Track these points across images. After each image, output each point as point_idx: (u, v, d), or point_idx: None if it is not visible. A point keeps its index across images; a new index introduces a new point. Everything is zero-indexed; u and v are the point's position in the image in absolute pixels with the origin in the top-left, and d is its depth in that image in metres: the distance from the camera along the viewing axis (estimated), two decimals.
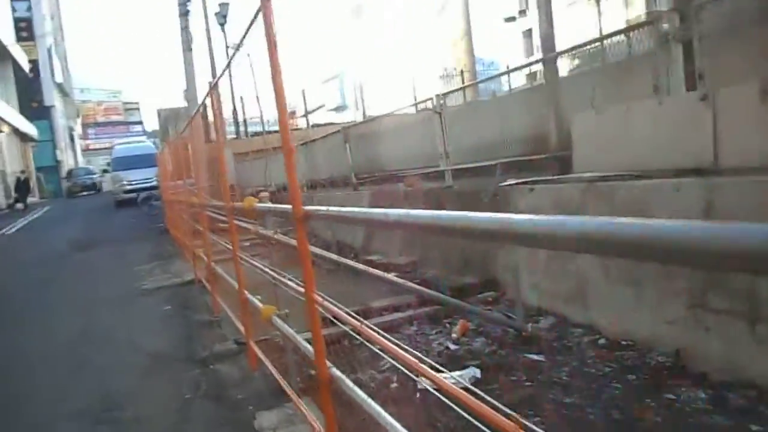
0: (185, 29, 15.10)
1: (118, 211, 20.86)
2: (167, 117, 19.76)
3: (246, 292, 3.85)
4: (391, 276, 5.16)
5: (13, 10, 43.75)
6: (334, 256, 5.64)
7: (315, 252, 4.31)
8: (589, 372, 3.37)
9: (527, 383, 3.29)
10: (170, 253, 10.81)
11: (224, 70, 4.30)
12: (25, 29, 44.68)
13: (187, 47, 15.15)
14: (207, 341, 4.72)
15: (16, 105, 35.80)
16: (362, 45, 58.45)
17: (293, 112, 21.34)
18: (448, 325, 4.53)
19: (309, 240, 3.32)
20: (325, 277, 6.62)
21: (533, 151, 5.35)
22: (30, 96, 42.40)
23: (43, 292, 8.04)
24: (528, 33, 46.22)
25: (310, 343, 2.53)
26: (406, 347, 3.69)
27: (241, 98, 20.97)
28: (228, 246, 5.99)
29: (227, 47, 20.42)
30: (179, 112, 19.37)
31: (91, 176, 37.14)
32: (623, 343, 3.71)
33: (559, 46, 5.53)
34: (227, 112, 19.45)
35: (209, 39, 17.32)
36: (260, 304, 3.43)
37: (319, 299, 2.11)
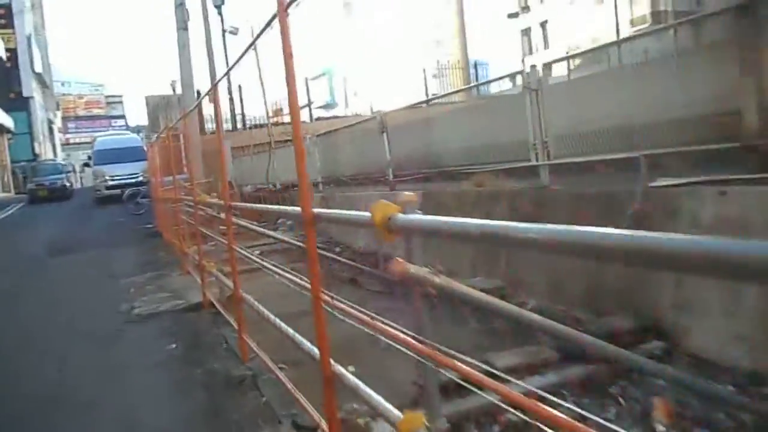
0: (181, 5, 13.34)
1: (100, 209, 18.95)
2: (157, 105, 17.89)
3: (335, 363, 2.22)
4: (523, 310, 3.55)
5: None
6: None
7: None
8: None
9: None
10: (164, 262, 9.08)
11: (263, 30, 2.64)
12: (3, 16, 42.66)
13: (183, 26, 13.37)
14: (244, 418, 3.06)
15: None
16: (353, 42, 57.13)
17: (280, 109, 19.92)
18: (622, 401, 2.94)
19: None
20: (377, 301, 5.01)
21: (699, 139, 3.80)
22: (7, 86, 40.32)
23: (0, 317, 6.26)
24: (526, 32, 44.94)
25: None
26: None
27: (240, 87, 19.19)
28: (246, 253, 4.38)
29: (224, 31, 18.69)
30: (170, 100, 17.55)
31: (60, 176, 25.46)
32: None
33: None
34: (224, 103, 17.67)
35: (206, 19, 15.55)
36: (390, 407, 1.80)
37: None
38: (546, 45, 42.31)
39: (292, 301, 5.35)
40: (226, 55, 18.64)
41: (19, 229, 15.59)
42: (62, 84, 68.12)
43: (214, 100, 4.50)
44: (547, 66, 5.24)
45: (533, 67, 4.75)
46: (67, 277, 8.62)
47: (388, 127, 7.54)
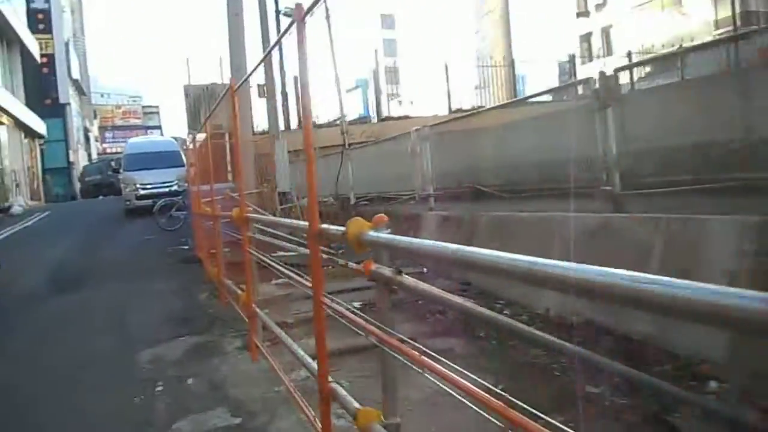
0: None
1: (128, 223, 15.97)
2: (198, 97, 14.93)
3: None
4: None
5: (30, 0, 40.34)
6: None
7: None
8: None
9: None
10: (210, 315, 5.79)
11: None
12: (42, 21, 41.38)
13: (235, 11, 10.29)
14: None
15: (22, 96, 31.48)
16: (391, 55, 54.21)
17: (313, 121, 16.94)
18: None
19: None
20: None
21: None
22: (43, 92, 38.79)
23: None
24: (586, 37, 40.79)
25: None
26: None
27: (295, 79, 16.10)
28: None
29: (278, 12, 15.69)
30: (214, 91, 14.51)
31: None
32: None
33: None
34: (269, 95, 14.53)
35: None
36: None
37: None
38: (609, 51, 38.32)
39: None
40: (279, 41, 15.60)
41: (25, 246, 12.63)
42: (101, 95, 68.31)
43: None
44: None
45: None
46: (62, 341, 5.40)
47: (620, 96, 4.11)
